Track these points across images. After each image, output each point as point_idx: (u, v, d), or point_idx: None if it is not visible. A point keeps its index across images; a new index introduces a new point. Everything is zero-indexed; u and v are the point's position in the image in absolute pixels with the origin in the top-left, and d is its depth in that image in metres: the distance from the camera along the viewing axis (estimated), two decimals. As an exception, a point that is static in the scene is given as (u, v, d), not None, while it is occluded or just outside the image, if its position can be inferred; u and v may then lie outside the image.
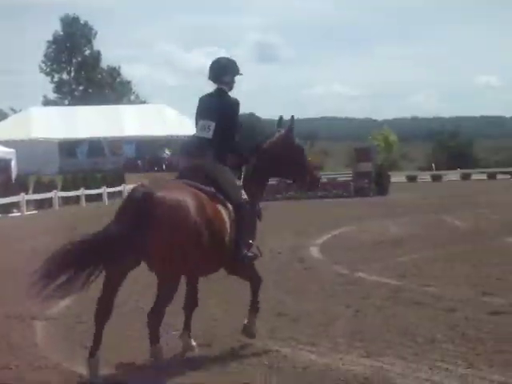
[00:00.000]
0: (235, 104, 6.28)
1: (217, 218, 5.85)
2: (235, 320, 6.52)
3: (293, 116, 6.62)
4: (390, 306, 7.32)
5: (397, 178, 44.98)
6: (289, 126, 6.58)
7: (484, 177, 51.34)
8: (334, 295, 8.03)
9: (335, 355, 5.46)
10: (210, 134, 6.15)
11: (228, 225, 5.95)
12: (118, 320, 5.97)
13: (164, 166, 44.86)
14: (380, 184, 31.98)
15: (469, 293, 7.78)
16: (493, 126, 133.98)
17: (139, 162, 47.11)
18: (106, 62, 74.51)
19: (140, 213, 5.32)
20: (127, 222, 5.30)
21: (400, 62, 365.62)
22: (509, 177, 45.21)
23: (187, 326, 6.21)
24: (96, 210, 23.97)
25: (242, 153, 6.39)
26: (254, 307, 6.25)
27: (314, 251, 12.19)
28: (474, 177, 50.84)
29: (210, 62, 6.39)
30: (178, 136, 42.84)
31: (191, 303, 6.29)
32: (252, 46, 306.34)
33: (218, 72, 6.30)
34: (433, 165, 60.62)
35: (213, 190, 5.97)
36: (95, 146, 48.39)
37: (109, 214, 5.69)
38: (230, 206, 6.04)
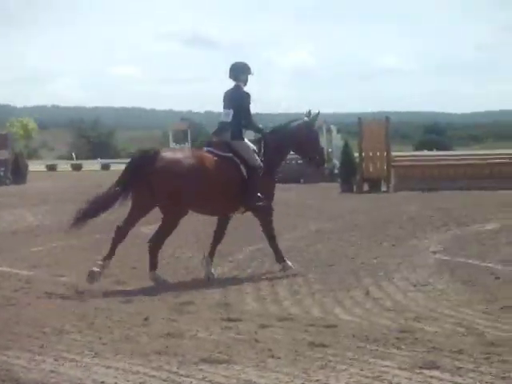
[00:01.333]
0: (247, 96, 8.59)
1: (219, 173, 8.12)
2: None
3: (319, 111, 9.04)
4: (20, 297, 7.11)
5: (36, 166, 43.96)
6: (313, 117, 8.99)
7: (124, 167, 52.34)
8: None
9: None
10: (229, 118, 8.48)
11: (231, 179, 8.22)
12: None
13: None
14: (17, 172, 31.06)
15: (102, 283, 7.81)
16: (133, 117, 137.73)
17: None
18: None
19: (147, 164, 7.84)
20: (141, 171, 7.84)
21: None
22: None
23: (211, 255, 8.41)
24: None
25: (258, 128, 8.74)
26: (277, 250, 8.58)
27: None
28: (113, 167, 51.69)
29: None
30: None
31: (217, 237, 8.56)
32: None
33: (236, 72, 8.60)
34: (73, 154, 60.52)
35: (230, 155, 8.33)
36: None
37: None
38: (243, 168, 8.31)
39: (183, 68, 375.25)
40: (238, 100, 8.51)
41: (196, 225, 11.52)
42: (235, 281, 8.02)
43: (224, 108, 8.61)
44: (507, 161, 23.28)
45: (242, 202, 8.39)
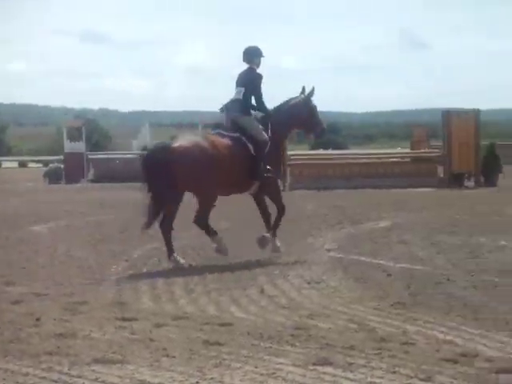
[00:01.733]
0: (259, 77, 9.36)
1: (228, 153, 8.89)
2: None
3: (313, 87, 9.75)
4: None
5: None
6: (309, 93, 9.73)
7: (16, 165, 51.20)
8: None
9: None
10: (240, 96, 9.25)
11: (242, 158, 8.99)
12: None
13: None
14: None
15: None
16: (26, 113, 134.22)
17: None
18: None
19: (162, 161, 8.54)
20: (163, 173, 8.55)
21: None
22: (40, 165, 45.71)
23: (268, 229, 9.34)
24: None
25: (265, 109, 9.38)
26: (276, 225, 9.42)
27: None
28: (5, 164, 50.29)
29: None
30: None
31: (264, 214, 9.48)
32: None
33: (249, 56, 9.36)
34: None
35: (237, 135, 9.09)
36: None
37: None
38: (250, 145, 9.07)
39: (78, 64, 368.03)
40: (251, 80, 9.33)
41: (92, 225, 11.31)
42: (130, 280, 7.90)
43: (237, 86, 9.41)
44: (400, 160, 24.02)
45: (253, 176, 9.17)
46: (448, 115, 22.46)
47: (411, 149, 29.93)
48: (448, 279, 7.54)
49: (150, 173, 8.69)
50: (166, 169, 8.55)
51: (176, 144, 8.79)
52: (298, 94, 9.82)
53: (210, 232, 9.01)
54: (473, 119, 22.25)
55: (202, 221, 8.96)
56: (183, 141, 8.89)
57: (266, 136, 9.25)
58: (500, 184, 21.13)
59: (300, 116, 9.68)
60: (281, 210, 9.51)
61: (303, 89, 9.79)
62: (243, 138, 9.12)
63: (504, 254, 9.15)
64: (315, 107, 9.90)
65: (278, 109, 9.63)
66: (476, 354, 4.86)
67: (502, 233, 10.71)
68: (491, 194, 18.95)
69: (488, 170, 21.73)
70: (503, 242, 9.92)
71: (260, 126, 9.26)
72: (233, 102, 9.36)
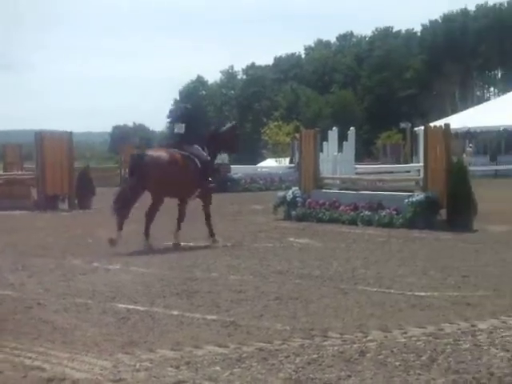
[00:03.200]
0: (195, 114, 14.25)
1: (183, 165, 11.94)
2: None
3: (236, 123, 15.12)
4: None
5: None
6: (234, 124, 14.22)
7: None
8: None
9: None
10: (183, 131, 12.41)
11: (192, 170, 12.00)
12: None
13: None
14: None
15: None
16: None
17: None
18: None
19: (139, 164, 11.84)
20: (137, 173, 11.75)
21: None
22: None
23: (177, 229, 12.08)
24: None
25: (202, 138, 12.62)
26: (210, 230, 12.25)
27: None
28: None
29: None
30: None
31: (180, 217, 12.22)
32: None
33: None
34: None
35: (187, 153, 12.11)
36: None
37: None
38: (197, 161, 12.11)
39: None
40: (189, 117, 12.82)
41: None
42: None
43: (176, 122, 12.84)
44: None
45: (199, 185, 12.18)
46: (41, 136, 22.22)
47: (4, 170, 29.02)
48: (39, 303, 7.40)
49: (130, 171, 12.21)
50: (139, 170, 11.81)
51: (147, 152, 12.42)
52: None
53: (146, 232, 11.82)
54: (66, 141, 22.34)
55: (150, 216, 11.91)
56: (152, 151, 12.75)
57: (207, 157, 12.44)
58: (93, 206, 21.50)
59: (227, 140, 13.00)
60: (208, 216, 12.24)
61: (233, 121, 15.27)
62: (192, 156, 12.17)
63: (97, 275, 9.27)
64: (237, 134, 13.83)
65: (211, 136, 12.79)
66: (64, 378, 4.82)
67: (94, 254, 10.85)
68: (85, 216, 19.19)
69: (81, 192, 21.97)
70: (96, 264, 10.06)
71: (201, 150, 12.39)
72: (177, 135, 12.50)
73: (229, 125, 13.63)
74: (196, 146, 12.32)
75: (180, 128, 12.44)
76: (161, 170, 11.72)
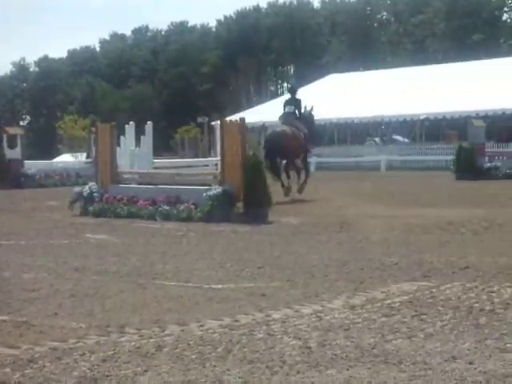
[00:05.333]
0: (300, 101, 19.56)
1: (298, 136, 18.63)
2: None
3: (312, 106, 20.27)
4: None
5: None
6: (310, 109, 20.08)
7: None
8: None
9: None
10: (292, 110, 19.22)
11: (301, 139, 18.88)
12: None
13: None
14: None
15: None
16: None
17: None
18: None
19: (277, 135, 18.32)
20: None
21: None
22: None
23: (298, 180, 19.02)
24: None
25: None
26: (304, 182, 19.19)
27: None
28: None
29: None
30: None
31: (297, 171, 19.21)
32: None
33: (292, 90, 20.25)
34: None
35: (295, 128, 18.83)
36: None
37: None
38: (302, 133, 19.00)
39: None
40: (297, 104, 19.36)
41: None
42: None
43: (287, 105, 19.29)
44: None
45: (303, 151, 19.12)
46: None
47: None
48: None
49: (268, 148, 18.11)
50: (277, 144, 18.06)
51: (282, 127, 18.59)
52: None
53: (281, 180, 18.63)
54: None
55: (297, 170, 19.25)
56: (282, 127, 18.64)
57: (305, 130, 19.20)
58: None
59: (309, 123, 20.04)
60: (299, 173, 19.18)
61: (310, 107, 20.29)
62: (299, 131, 18.92)
63: None
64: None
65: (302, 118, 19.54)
66: None
67: None
68: None
69: None
70: None
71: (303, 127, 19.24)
72: (287, 113, 19.11)
73: (309, 109, 19.80)
74: (300, 123, 18.98)
75: (290, 108, 19.10)
76: (289, 140, 18.28)
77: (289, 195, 18.06)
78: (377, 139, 46.69)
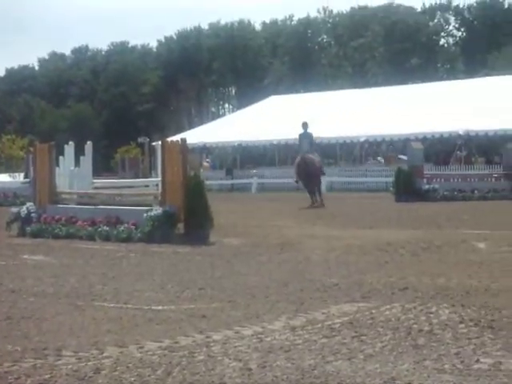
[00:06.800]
0: (312, 135, 25.05)
1: (319, 164, 24.69)
2: None
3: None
4: None
5: None
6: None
7: None
8: None
9: None
10: (310, 145, 24.74)
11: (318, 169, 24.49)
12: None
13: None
14: None
15: None
16: None
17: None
18: None
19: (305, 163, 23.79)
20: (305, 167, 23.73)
21: None
22: None
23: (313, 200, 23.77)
24: None
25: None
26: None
27: None
28: None
29: None
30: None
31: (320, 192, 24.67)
32: None
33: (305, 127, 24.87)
34: None
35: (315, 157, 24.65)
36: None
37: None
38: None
39: None
40: (310, 137, 24.54)
41: None
42: None
43: (304, 139, 24.41)
44: None
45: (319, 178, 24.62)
46: None
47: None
48: None
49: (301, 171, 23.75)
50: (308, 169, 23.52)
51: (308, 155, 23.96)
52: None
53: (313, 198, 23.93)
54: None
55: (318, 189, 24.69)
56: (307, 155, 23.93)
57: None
58: None
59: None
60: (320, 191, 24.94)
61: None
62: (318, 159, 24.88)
63: None
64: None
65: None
66: None
67: None
68: None
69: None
70: None
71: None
72: (307, 148, 24.24)
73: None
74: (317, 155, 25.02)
75: (309, 143, 24.34)
76: (313, 167, 23.76)
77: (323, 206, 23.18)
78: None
